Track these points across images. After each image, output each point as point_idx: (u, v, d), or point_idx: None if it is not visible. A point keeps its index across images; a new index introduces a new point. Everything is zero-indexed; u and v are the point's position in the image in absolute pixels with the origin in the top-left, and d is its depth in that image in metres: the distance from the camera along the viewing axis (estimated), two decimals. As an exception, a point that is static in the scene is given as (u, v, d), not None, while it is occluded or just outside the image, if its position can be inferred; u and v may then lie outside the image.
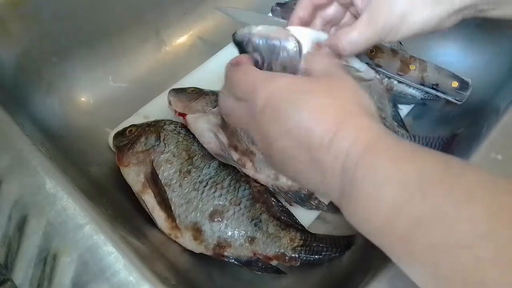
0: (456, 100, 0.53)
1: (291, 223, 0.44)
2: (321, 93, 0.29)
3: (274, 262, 0.42)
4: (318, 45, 0.37)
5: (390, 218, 0.23)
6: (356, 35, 0.36)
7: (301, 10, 0.40)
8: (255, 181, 0.46)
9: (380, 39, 0.36)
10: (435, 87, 0.53)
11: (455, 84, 0.53)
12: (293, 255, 0.42)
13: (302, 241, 0.43)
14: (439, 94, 0.54)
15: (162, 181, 0.43)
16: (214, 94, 0.50)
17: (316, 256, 0.42)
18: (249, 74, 0.33)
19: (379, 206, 0.23)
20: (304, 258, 0.42)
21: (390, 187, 0.23)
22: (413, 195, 0.22)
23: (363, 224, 0.25)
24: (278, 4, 0.61)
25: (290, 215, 0.45)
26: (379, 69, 0.54)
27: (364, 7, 0.36)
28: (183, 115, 0.48)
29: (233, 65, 0.35)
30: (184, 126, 0.48)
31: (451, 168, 0.22)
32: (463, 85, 0.53)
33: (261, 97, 0.31)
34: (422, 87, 0.54)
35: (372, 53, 0.54)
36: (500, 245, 0.18)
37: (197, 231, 0.42)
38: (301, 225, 0.45)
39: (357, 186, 0.25)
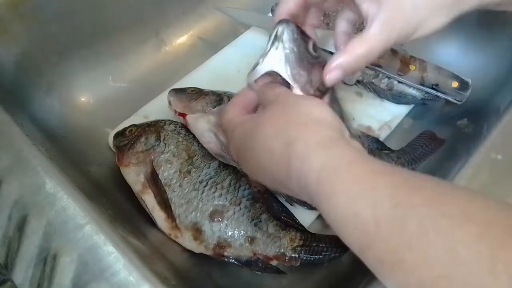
0: (456, 100, 0.53)
1: (291, 223, 0.44)
2: (266, 128, 0.29)
3: (274, 262, 0.42)
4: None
5: (360, 252, 0.23)
6: (370, 46, 0.32)
7: (292, 3, 0.35)
8: (255, 181, 0.46)
9: (394, 45, 0.34)
10: (435, 87, 0.53)
11: (455, 84, 0.53)
12: (293, 255, 0.42)
13: (302, 241, 0.43)
14: (439, 94, 0.54)
15: (162, 181, 0.43)
16: (214, 94, 0.50)
17: (316, 256, 0.42)
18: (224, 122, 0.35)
19: (349, 240, 0.24)
20: (304, 258, 0.42)
21: (350, 226, 0.23)
22: (371, 237, 0.22)
23: (344, 242, 0.25)
24: (278, 4, 0.61)
25: (290, 215, 0.45)
26: (379, 69, 0.54)
27: (373, 14, 0.32)
28: (183, 115, 0.48)
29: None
30: (184, 126, 0.48)
31: (402, 200, 0.22)
32: (463, 85, 0.53)
33: (232, 152, 0.35)
34: (422, 87, 0.54)
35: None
36: (458, 285, 0.19)
37: (197, 231, 0.42)
38: (301, 225, 0.45)
39: (326, 216, 0.25)
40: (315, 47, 0.34)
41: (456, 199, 0.21)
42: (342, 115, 0.37)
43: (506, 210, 0.20)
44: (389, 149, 0.50)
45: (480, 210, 0.20)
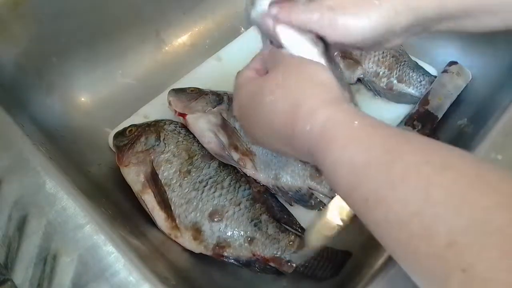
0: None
1: (292, 226, 0.44)
2: (273, 89, 0.31)
3: (271, 264, 0.42)
4: None
5: (348, 193, 0.26)
6: None
7: None
8: (255, 181, 0.46)
9: None
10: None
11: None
12: (288, 260, 0.42)
13: (299, 249, 0.42)
14: None
15: (162, 181, 0.43)
16: (214, 94, 0.50)
17: (310, 269, 0.42)
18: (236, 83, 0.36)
19: (340, 182, 0.26)
20: (299, 267, 0.42)
21: (344, 169, 0.26)
22: (360, 178, 0.24)
23: (333, 187, 0.28)
24: (278, 4, 0.61)
25: (290, 215, 0.45)
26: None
27: None
28: (183, 115, 0.48)
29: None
30: (184, 126, 0.48)
31: (393, 148, 0.24)
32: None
33: (235, 111, 0.35)
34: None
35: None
36: (427, 222, 0.21)
37: (196, 231, 0.42)
38: (300, 226, 0.44)
39: (322, 164, 0.28)
40: None
41: (438, 151, 0.24)
42: (343, 79, 0.37)
43: (480, 162, 0.23)
44: None
45: (458, 160, 0.23)
